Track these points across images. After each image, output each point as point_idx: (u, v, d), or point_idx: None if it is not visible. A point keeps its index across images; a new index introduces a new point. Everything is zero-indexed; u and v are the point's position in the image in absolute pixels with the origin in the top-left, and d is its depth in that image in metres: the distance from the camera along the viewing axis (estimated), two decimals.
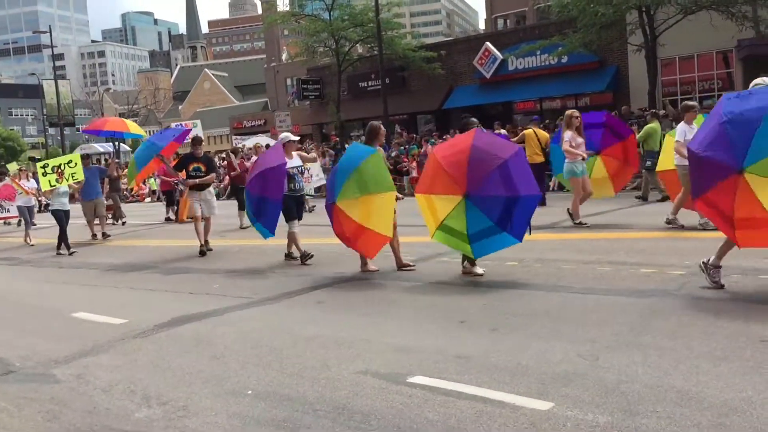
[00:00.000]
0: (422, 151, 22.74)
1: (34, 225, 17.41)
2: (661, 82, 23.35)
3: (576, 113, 11.15)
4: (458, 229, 7.26)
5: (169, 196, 18.94)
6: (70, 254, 12.85)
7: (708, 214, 6.39)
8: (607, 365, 4.45)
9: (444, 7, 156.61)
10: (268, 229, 9.17)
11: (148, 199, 31.11)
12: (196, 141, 11.74)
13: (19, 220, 19.40)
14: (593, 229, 10.53)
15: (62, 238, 12.97)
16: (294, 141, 10.01)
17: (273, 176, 8.93)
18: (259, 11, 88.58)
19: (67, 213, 13.30)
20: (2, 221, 20.39)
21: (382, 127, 8.76)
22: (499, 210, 7.15)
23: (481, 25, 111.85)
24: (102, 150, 55.17)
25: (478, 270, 7.61)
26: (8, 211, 19.27)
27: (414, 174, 22.17)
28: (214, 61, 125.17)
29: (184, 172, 11.54)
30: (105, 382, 4.99)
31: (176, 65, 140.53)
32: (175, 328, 6.42)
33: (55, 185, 12.78)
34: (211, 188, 11.76)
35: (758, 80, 6.52)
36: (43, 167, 12.87)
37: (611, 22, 20.38)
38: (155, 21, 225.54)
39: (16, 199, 16.75)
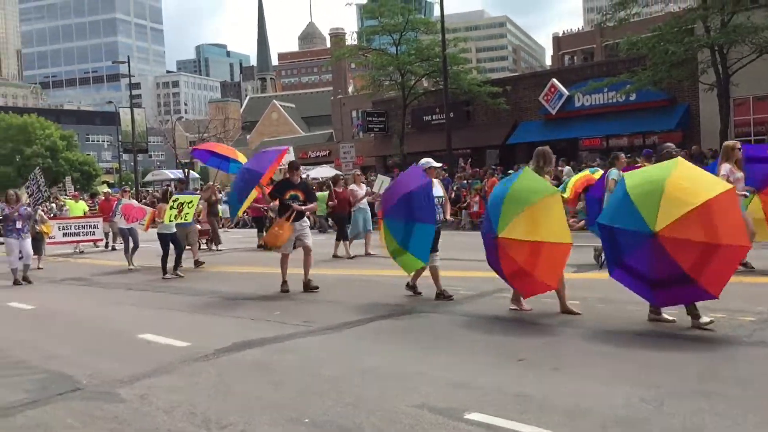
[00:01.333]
0: (485, 185, 22.65)
1: (132, 247, 15.86)
2: (734, 122, 22.73)
3: (737, 144, 9.86)
4: (639, 269, 6.58)
5: (259, 223, 18.87)
6: (180, 276, 12.94)
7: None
8: (671, 411, 4.30)
9: (510, 43, 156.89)
10: (420, 257, 8.40)
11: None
12: (293, 166, 10.50)
13: (107, 243, 20.19)
14: None
15: (165, 261, 13.05)
16: (436, 167, 9.19)
17: (420, 198, 8.31)
18: (328, 45, 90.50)
19: (173, 236, 13.34)
20: (91, 243, 20.56)
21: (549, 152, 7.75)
22: (690, 260, 5.95)
23: (548, 61, 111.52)
24: (172, 176, 56.84)
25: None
26: (93, 234, 19.79)
27: (476, 209, 22.06)
28: (282, 93, 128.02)
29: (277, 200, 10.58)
30: (167, 403, 5.10)
31: (246, 96, 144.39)
32: (235, 353, 6.52)
33: (172, 221, 13.01)
34: (305, 218, 10.76)
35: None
36: (174, 201, 13.02)
37: (682, 60, 20.04)
38: (228, 53, 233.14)
39: (132, 223, 15.38)
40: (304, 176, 22.67)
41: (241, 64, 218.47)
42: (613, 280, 6.72)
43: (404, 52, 31.78)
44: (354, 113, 47.70)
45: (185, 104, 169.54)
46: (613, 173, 10.29)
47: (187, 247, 14.29)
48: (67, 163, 60.38)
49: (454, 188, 23.45)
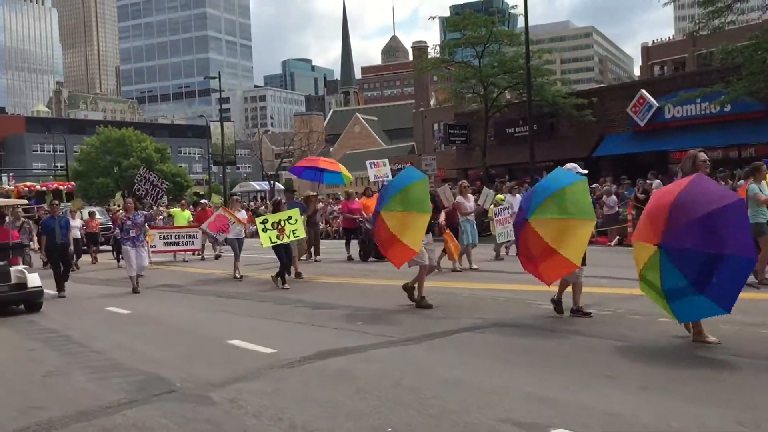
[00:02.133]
0: None
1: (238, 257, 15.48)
2: None
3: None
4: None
5: (349, 234, 18.32)
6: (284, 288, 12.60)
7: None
8: None
9: (597, 54, 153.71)
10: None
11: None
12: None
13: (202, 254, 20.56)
14: (762, 289, 9.80)
15: (283, 270, 12.81)
16: (582, 173, 8.32)
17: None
18: (411, 58, 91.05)
19: (288, 246, 13.02)
20: (191, 253, 20.71)
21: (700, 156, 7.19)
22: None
23: (636, 72, 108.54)
24: (258, 188, 58.36)
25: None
26: (193, 243, 19.79)
27: None
28: (365, 106, 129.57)
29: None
30: (255, 407, 5.26)
31: (330, 109, 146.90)
32: (320, 361, 6.65)
33: (276, 242, 12.54)
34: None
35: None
36: (263, 223, 12.59)
37: None
38: (312, 68, 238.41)
39: (229, 230, 15.72)
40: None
41: (325, 78, 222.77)
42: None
43: (487, 65, 31.61)
44: (436, 126, 47.77)
45: (271, 117, 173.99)
46: (754, 188, 10.07)
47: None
48: (161, 175, 62.95)
49: None
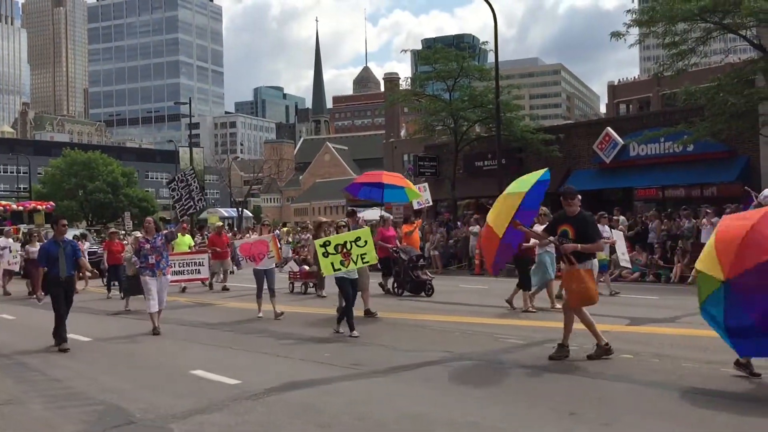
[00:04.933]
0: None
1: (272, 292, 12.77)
2: None
3: None
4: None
5: (386, 266, 15.58)
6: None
7: None
8: None
9: (565, 90, 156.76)
10: None
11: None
12: (568, 194, 8.06)
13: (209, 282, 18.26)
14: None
15: (347, 312, 10.16)
16: None
17: None
18: (382, 89, 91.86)
19: (354, 282, 10.47)
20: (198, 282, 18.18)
21: None
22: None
23: (603, 110, 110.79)
24: (226, 215, 57.96)
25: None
26: (199, 272, 17.01)
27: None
28: (335, 135, 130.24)
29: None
30: None
31: (300, 137, 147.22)
32: (285, 392, 6.57)
33: (340, 269, 9.93)
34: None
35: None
36: (324, 246, 9.96)
37: (742, 112, 19.68)
38: (284, 95, 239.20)
39: (260, 262, 12.55)
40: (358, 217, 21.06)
41: (296, 106, 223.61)
42: (666, 335, 6.58)
43: (457, 98, 32.00)
44: (405, 157, 48.08)
45: (241, 144, 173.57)
46: None
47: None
48: (126, 199, 62.18)
49: None
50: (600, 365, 7.39)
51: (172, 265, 14.73)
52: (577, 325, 7.80)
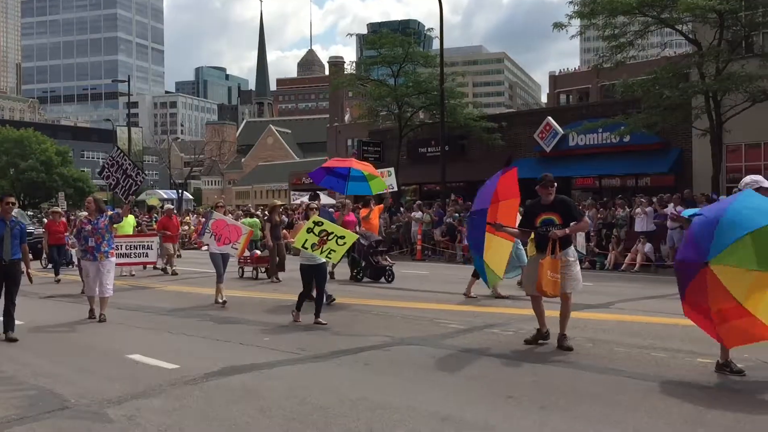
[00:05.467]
0: None
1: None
2: (726, 168, 22.99)
3: None
4: None
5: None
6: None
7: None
8: None
9: (507, 79, 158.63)
10: None
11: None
12: (545, 182, 7.77)
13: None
14: (649, 312, 10.33)
15: (302, 299, 10.15)
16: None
17: None
18: (327, 72, 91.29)
19: (320, 270, 10.12)
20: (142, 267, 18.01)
21: None
22: None
23: (544, 99, 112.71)
24: (165, 197, 56.79)
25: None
26: (147, 255, 16.68)
27: (466, 242, 22.14)
28: (279, 118, 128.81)
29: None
30: (155, 426, 5.10)
31: (243, 119, 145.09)
32: (224, 377, 6.53)
33: (308, 249, 9.67)
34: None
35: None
36: (315, 224, 9.69)
37: (676, 105, 20.31)
38: (227, 76, 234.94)
39: (224, 246, 12.08)
40: (298, 202, 20.29)
41: (239, 87, 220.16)
42: (600, 321, 6.79)
43: (402, 84, 32.10)
44: (350, 141, 47.99)
45: (182, 125, 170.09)
46: None
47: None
48: (61, 179, 60.34)
49: (446, 221, 23.56)
50: (537, 350, 7.57)
51: (118, 247, 14.20)
52: (526, 311, 7.96)
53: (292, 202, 39.87)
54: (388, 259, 15.84)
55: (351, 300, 12.17)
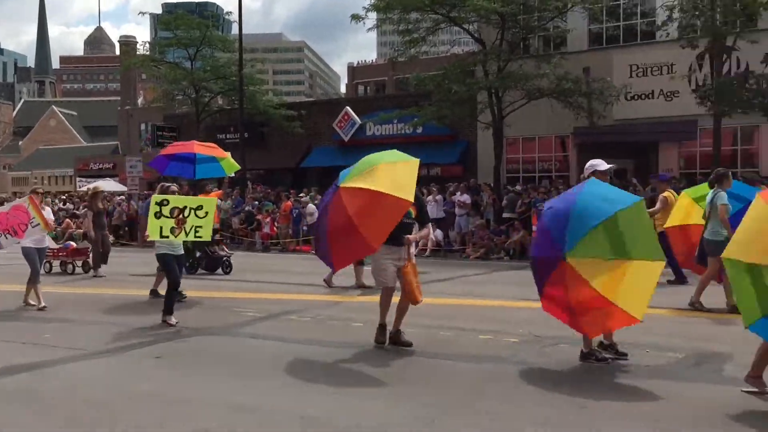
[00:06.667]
0: (279, 208, 22.73)
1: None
2: (506, 160, 24.91)
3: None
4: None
5: None
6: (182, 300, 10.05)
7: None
8: (442, 428, 4.62)
9: (307, 68, 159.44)
10: None
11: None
12: None
13: None
14: (437, 294, 10.92)
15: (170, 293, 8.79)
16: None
17: None
18: (118, 52, 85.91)
19: (181, 258, 9.25)
20: None
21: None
22: None
23: (343, 89, 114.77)
24: None
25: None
26: None
27: (267, 230, 22.04)
28: (63, 99, 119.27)
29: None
30: None
31: (20, 99, 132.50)
32: None
33: (168, 236, 8.50)
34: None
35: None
36: (159, 205, 8.45)
37: (464, 99, 21.63)
38: (1, 51, 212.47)
39: (25, 234, 10.06)
40: (84, 189, 18.58)
41: (15, 63, 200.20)
42: (448, 310, 7.07)
43: (200, 68, 31.15)
44: (143, 126, 45.58)
45: None
46: (723, 197, 8.58)
47: None
48: None
49: (246, 209, 23.25)
50: (334, 334, 7.71)
51: None
52: (289, 296, 8.03)
53: (77, 189, 37.19)
54: (225, 249, 15.06)
55: (132, 291, 11.57)
